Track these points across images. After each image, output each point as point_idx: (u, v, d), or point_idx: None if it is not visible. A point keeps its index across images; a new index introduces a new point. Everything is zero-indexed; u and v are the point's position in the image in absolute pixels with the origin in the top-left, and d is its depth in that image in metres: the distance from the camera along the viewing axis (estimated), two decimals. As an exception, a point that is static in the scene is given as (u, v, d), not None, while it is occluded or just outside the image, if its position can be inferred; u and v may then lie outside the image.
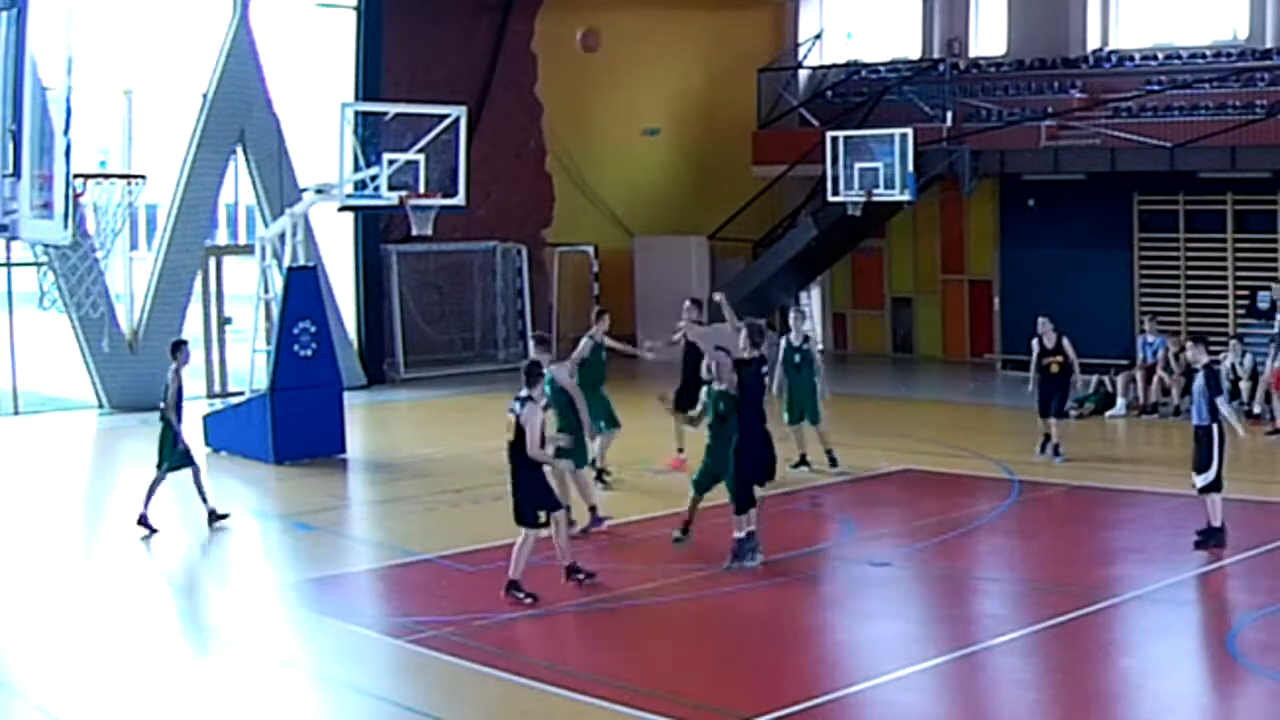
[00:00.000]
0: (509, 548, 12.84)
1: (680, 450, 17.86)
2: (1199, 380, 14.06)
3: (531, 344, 16.00)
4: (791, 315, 19.28)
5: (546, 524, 12.95)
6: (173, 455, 15.52)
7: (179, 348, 16.07)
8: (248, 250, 23.41)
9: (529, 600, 12.63)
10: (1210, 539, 13.96)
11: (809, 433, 18.24)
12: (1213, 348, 15.16)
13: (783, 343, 18.59)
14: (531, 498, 12.81)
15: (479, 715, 10.44)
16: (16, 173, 10.02)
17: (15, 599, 13.27)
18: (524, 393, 12.85)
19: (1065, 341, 19.04)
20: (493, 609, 12.48)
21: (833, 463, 18.17)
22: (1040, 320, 19.10)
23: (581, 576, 13.19)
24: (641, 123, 31.88)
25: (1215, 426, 13.86)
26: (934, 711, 10.50)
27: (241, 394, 21.70)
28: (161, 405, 15.59)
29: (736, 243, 31.26)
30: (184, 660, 11.61)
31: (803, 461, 18.15)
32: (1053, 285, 26.78)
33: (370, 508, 16.62)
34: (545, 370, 15.14)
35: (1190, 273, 26.02)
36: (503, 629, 12.02)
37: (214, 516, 15.72)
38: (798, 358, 18.25)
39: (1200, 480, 13.97)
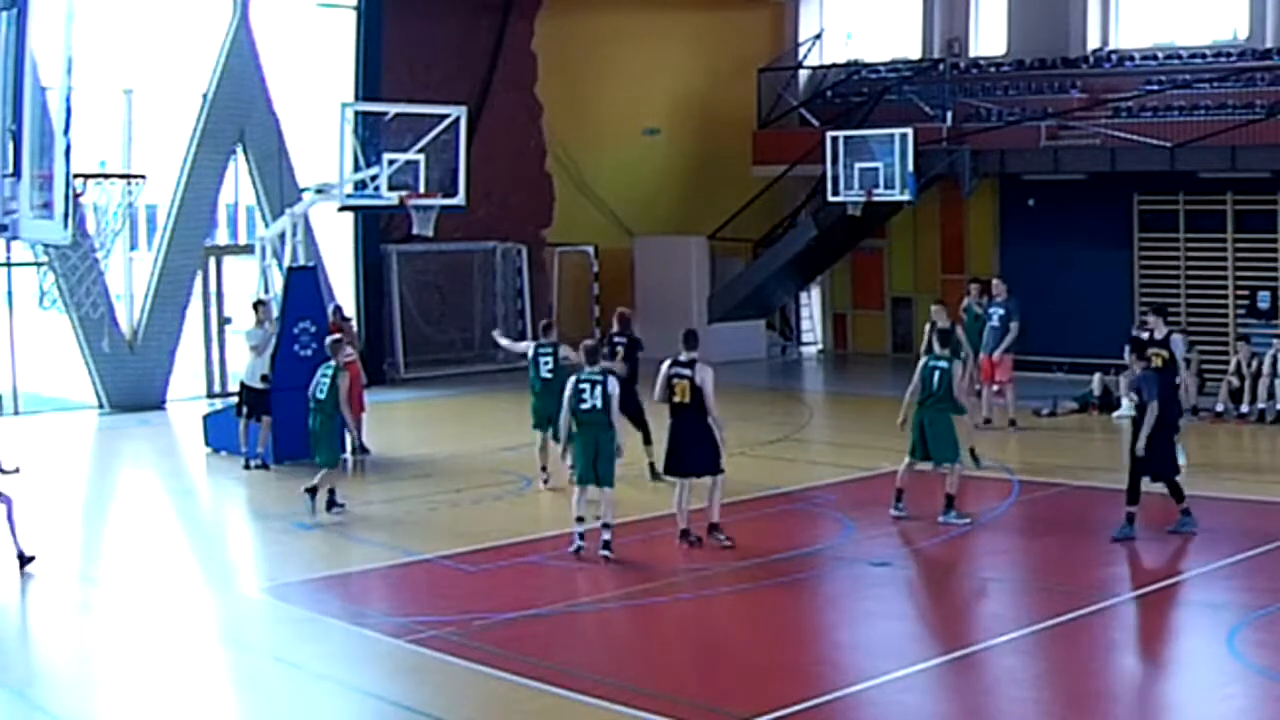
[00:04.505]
0: (509, 548, 12.89)
1: None
2: None
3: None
4: None
5: None
6: None
7: None
8: (248, 250, 23.41)
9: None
10: None
11: None
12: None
13: None
14: None
15: (479, 715, 10.43)
16: (16, 173, 10.02)
17: (15, 600, 13.26)
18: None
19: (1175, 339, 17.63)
20: (493, 609, 12.48)
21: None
22: (1149, 312, 18.11)
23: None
24: (641, 123, 31.84)
25: None
26: (934, 711, 10.50)
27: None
28: None
29: (736, 243, 31.24)
30: (184, 660, 11.60)
31: None
32: (1053, 285, 26.76)
33: (370, 508, 16.61)
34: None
35: (1190, 273, 26.00)
36: (503, 629, 12.01)
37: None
38: None
39: None
